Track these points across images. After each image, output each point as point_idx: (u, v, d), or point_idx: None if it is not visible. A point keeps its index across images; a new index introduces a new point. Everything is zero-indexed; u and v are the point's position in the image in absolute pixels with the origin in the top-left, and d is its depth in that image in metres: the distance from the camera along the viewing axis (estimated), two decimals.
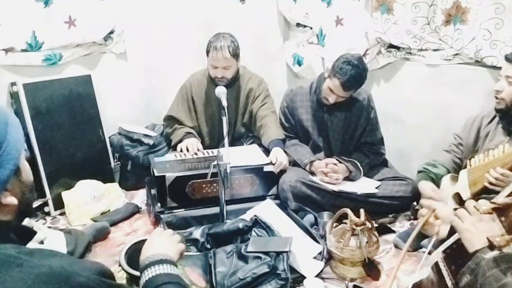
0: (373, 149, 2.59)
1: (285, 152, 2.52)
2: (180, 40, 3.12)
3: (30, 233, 0.98)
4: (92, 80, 2.78)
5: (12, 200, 0.90)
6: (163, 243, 1.17)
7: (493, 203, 1.00)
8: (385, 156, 2.67)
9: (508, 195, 1.04)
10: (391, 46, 2.76)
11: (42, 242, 2.01)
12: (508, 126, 2.03)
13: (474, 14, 2.34)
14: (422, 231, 1.32)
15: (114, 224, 2.45)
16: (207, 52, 2.60)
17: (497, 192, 1.81)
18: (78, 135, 2.71)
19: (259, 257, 1.88)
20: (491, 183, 1.90)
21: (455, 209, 1.80)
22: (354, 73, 2.29)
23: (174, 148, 2.74)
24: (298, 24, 3.25)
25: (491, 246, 0.95)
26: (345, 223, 2.04)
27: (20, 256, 0.81)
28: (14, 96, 2.51)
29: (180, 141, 2.69)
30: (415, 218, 2.43)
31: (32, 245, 1.80)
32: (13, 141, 0.90)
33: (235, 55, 2.58)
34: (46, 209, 2.56)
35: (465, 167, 2.13)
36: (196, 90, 2.74)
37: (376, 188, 2.44)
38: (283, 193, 2.37)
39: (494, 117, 2.10)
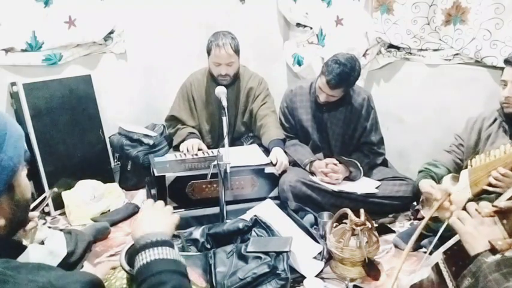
0: (373, 149, 2.59)
1: (285, 152, 2.52)
2: (180, 40, 3.12)
3: (20, 247, 0.95)
4: (92, 80, 2.78)
5: None
6: (156, 218, 1.08)
7: (495, 206, 1.00)
8: (385, 156, 2.67)
9: (510, 198, 1.04)
10: (391, 46, 2.76)
11: (42, 242, 2.01)
12: (511, 130, 2.02)
13: (474, 14, 2.34)
14: (434, 215, 1.28)
15: (114, 224, 2.45)
16: (209, 51, 2.60)
17: (499, 193, 1.81)
18: (78, 135, 2.71)
19: (259, 257, 1.88)
20: (490, 185, 1.89)
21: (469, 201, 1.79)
22: (339, 71, 2.29)
23: (176, 148, 2.74)
24: (298, 24, 3.26)
25: (493, 250, 0.95)
26: (345, 223, 2.04)
27: (6, 272, 0.79)
28: (14, 96, 2.51)
29: (183, 141, 2.69)
30: (415, 218, 2.43)
31: (33, 245, 1.80)
32: (7, 159, 0.86)
33: (237, 51, 2.60)
34: (46, 209, 2.55)
35: (466, 167, 2.12)
36: (196, 89, 2.75)
37: (376, 188, 2.44)
38: (283, 193, 2.37)
39: (496, 119, 2.09)
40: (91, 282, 0.88)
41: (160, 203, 1.17)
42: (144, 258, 0.97)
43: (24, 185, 0.93)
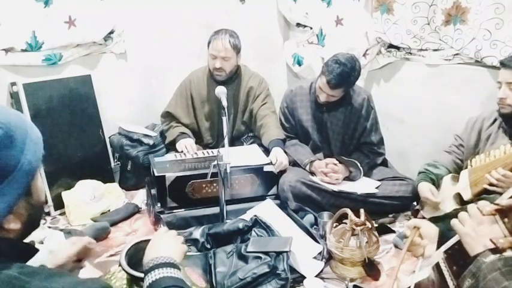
0: (373, 149, 2.59)
1: (285, 152, 2.52)
2: (180, 40, 3.12)
3: (32, 251, 0.95)
4: (92, 80, 2.78)
5: (15, 225, 0.87)
6: (167, 245, 1.15)
7: (497, 204, 1.00)
8: (385, 156, 2.67)
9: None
10: (391, 46, 2.76)
11: (41, 242, 2.01)
12: (510, 130, 2.02)
13: (474, 14, 2.34)
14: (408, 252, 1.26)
15: (114, 224, 2.45)
16: (208, 44, 2.62)
17: (498, 193, 1.81)
18: (78, 136, 2.71)
19: (259, 257, 1.88)
20: (491, 184, 1.89)
21: (455, 210, 1.79)
22: (340, 71, 2.29)
23: (169, 145, 2.76)
24: (298, 24, 3.26)
25: (495, 249, 0.95)
26: (345, 223, 2.04)
27: (21, 277, 0.80)
28: (14, 96, 2.51)
29: (174, 140, 2.69)
30: (415, 218, 2.43)
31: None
32: (27, 163, 0.86)
33: (235, 48, 2.61)
34: (46, 209, 2.55)
35: (466, 168, 2.12)
36: (195, 87, 2.75)
37: (376, 188, 2.44)
38: (283, 193, 2.37)
39: (495, 120, 2.10)
40: None
41: (173, 232, 1.24)
42: (154, 276, 1.04)
43: (40, 187, 0.93)
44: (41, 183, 0.94)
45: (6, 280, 0.79)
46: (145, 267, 1.08)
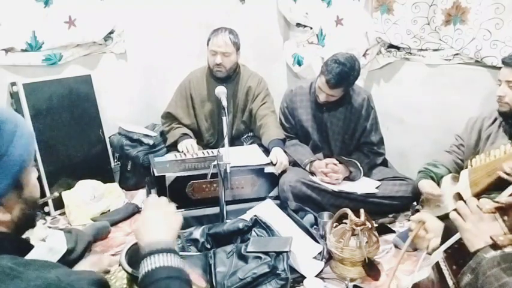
0: (373, 149, 2.59)
1: (285, 152, 2.52)
2: (180, 40, 3.12)
3: (28, 246, 0.97)
4: (92, 80, 2.78)
5: (3, 216, 0.89)
6: (161, 221, 1.07)
7: (497, 202, 1.00)
8: (385, 156, 2.67)
9: (511, 195, 1.04)
10: (391, 46, 2.76)
11: (43, 240, 2.01)
12: (510, 130, 2.02)
13: (474, 14, 2.34)
14: (412, 245, 1.28)
15: (114, 224, 2.45)
16: (208, 41, 2.63)
17: (498, 192, 1.81)
18: (78, 135, 2.71)
19: (259, 257, 1.88)
20: (507, 173, 1.85)
21: (455, 210, 1.79)
22: (339, 71, 2.29)
23: (170, 147, 2.76)
24: (298, 24, 3.26)
25: (494, 245, 0.95)
26: (345, 223, 2.04)
27: (16, 268, 0.81)
28: (14, 96, 2.51)
29: (176, 142, 2.70)
30: None
31: (33, 243, 1.80)
32: (17, 154, 0.88)
33: (235, 44, 2.62)
34: (46, 209, 2.56)
35: (466, 168, 2.12)
36: (195, 87, 2.75)
37: (376, 188, 2.44)
38: (284, 193, 2.37)
39: (496, 119, 2.10)
40: (98, 280, 0.90)
41: (164, 200, 1.15)
42: (149, 264, 0.98)
43: (33, 184, 0.96)
44: (35, 179, 0.97)
45: (1, 271, 0.80)
46: (142, 252, 1.02)
